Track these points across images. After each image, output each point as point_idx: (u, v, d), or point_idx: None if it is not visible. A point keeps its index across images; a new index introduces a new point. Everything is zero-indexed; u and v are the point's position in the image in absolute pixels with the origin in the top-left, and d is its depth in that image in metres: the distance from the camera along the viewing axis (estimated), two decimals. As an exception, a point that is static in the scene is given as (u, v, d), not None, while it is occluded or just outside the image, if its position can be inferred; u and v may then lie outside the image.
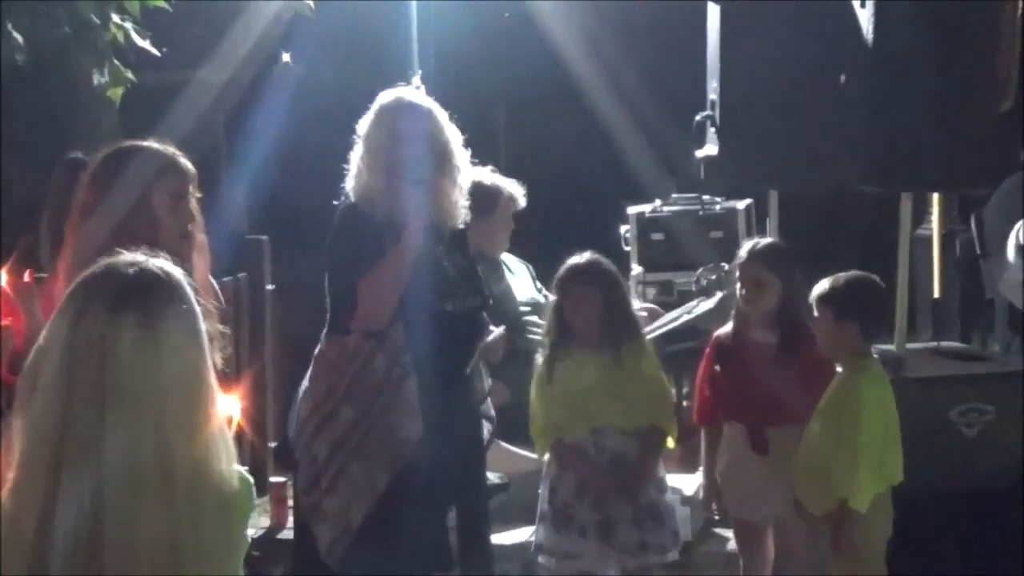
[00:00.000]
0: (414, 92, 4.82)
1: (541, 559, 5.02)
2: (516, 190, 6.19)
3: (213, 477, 2.32)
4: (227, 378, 6.05)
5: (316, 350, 4.71)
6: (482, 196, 5.61)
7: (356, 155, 4.62)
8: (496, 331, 5.04)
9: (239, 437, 6.91)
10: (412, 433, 4.52)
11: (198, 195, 4.06)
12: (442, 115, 4.64)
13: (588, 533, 4.92)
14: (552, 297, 5.31)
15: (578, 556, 4.95)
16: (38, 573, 2.22)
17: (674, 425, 5.05)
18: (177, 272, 2.38)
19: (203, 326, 2.38)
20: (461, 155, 4.67)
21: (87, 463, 2.22)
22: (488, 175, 6.03)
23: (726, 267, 6.11)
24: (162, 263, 2.38)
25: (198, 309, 2.38)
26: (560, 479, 4.98)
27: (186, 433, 2.29)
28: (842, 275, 4.73)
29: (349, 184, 4.63)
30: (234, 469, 2.37)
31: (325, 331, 4.69)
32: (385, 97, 4.67)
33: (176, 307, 2.33)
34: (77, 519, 2.21)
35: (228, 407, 2.83)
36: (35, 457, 2.25)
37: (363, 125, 4.62)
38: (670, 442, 5.06)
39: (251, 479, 2.45)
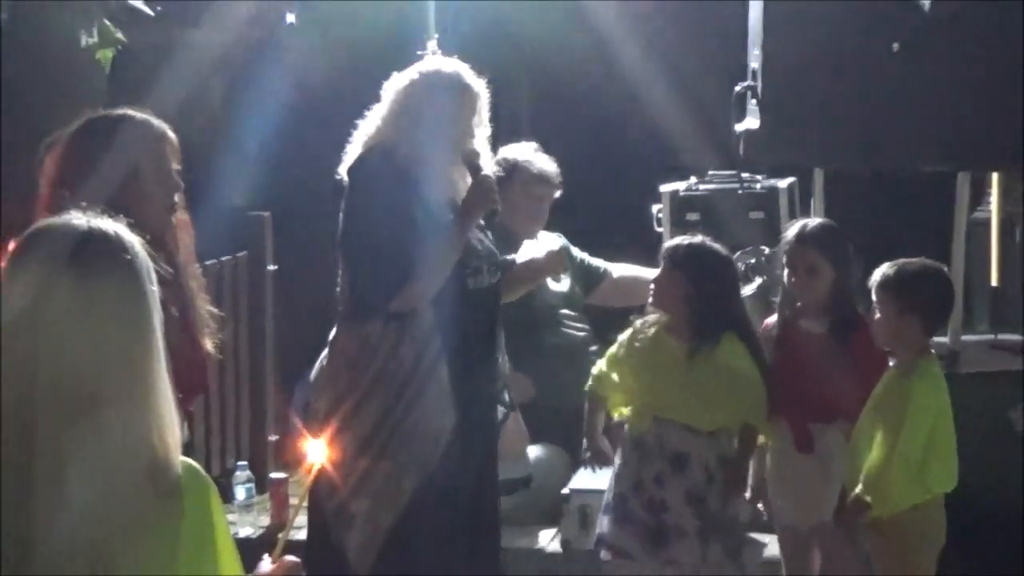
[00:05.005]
0: (467, 68, 4.86)
1: (602, 554, 5.04)
2: (535, 173, 6.26)
3: (153, 461, 2.31)
4: (223, 366, 6.30)
5: (331, 335, 4.77)
6: (499, 168, 5.76)
7: (377, 115, 4.75)
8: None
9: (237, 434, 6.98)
10: (446, 423, 4.64)
11: (176, 167, 4.13)
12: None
13: (641, 535, 4.95)
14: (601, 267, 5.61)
15: (631, 557, 4.98)
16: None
17: (764, 422, 5.03)
18: (129, 235, 2.38)
19: (154, 295, 2.36)
20: (481, 139, 4.88)
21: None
22: (521, 150, 6.26)
23: (767, 250, 6.12)
24: (113, 224, 2.38)
25: (152, 276, 2.37)
26: (623, 466, 5.03)
27: (127, 412, 2.29)
28: (908, 263, 4.73)
29: (361, 141, 4.73)
30: (180, 458, 2.37)
31: (343, 318, 4.74)
32: (441, 66, 4.81)
33: (120, 272, 2.33)
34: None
35: (314, 453, 2.81)
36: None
37: (408, 90, 4.73)
38: (761, 439, 5.09)
39: (202, 472, 2.42)
